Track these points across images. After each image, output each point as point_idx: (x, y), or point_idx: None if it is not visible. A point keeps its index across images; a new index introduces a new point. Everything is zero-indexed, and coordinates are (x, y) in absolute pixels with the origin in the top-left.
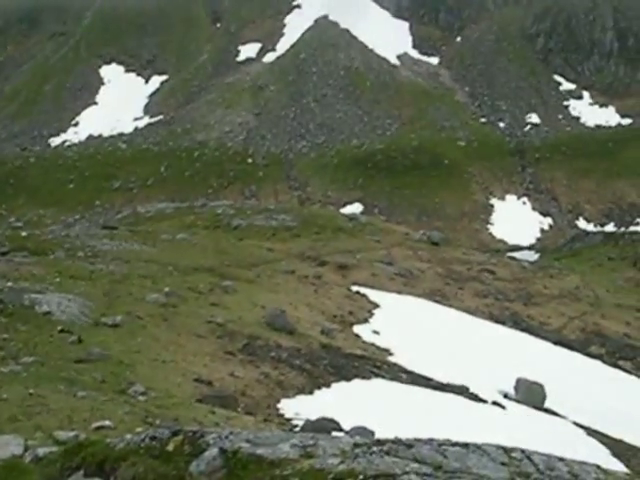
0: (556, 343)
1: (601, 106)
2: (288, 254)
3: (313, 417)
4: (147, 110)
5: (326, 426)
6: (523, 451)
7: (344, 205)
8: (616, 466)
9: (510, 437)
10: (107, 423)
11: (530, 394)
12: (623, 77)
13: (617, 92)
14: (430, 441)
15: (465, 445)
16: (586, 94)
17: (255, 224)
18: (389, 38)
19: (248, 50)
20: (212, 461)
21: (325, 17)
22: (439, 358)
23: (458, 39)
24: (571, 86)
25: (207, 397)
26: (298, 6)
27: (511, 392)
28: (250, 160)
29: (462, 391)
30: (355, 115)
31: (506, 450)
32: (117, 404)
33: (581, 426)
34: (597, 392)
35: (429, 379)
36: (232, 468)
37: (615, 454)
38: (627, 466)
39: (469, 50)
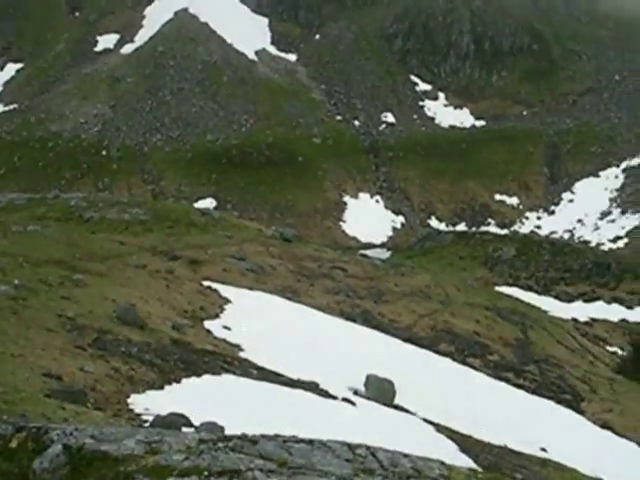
0: (406, 340)
1: (456, 108)
2: (140, 248)
3: (163, 412)
4: (1, 98)
5: (176, 421)
6: (368, 448)
7: (197, 200)
8: (464, 461)
9: (359, 434)
10: None
11: (380, 391)
12: (478, 80)
13: (472, 94)
14: (275, 437)
15: (310, 442)
16: (441, 95)
17: (108, 217)
18: (248, 33)
19: (106, 41)
20: (55, 458)
21: (185, 10)
22: (290, 354)
23: (317, 37)
24: (427, 87)
25: (56, 392)
26: None
27: (361, 389)
28: (104, 152)
29: (312, 387)
30: (211, 110)
31: (351, 447)
32: None
33: (430, 422)
34: (446, 389)
35: (280, 375)
36: (76, 465)
37: (463, 449)
38: (475, 461)
39: (327, 48)
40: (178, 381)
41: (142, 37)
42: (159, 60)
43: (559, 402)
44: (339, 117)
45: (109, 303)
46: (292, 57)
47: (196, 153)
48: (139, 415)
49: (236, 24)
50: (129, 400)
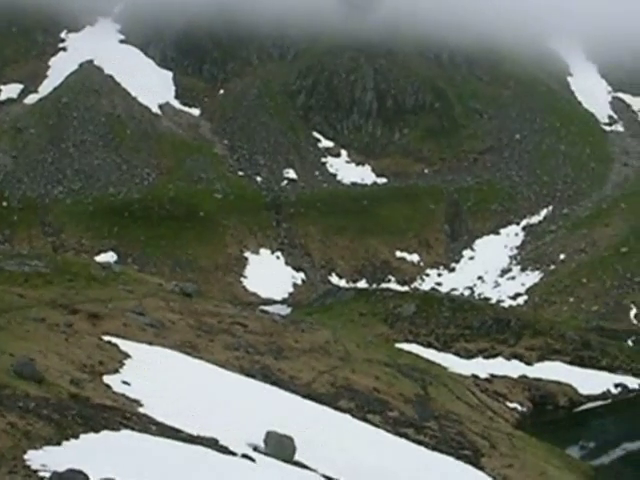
0: (306, 397)
1: (358, 165)
2: (39, 301)
3: (61, 469)
4: None
5: (74, 478)
6: None
7: (98, 253)
8: None
9: None
10: None
11: (280, 447)
12: (380, 137)
13: (374, 152)
14: None
15: None
16: (344, 152)
17: (7, 269)
18: (152, 87)
19: (9, 90)
20: None
21: (90, 62)
22: (189, 410)
23: (221, 92)
24: (329, 144)
25: None
26: (64, 49)
27: (261, 445)
28: (5, 203)
29: (212, 443)
30: (114, 163)
31: None
32: None
33: (331, 479)
34: (346, 445)
35: (179, 431)
36: None
37: None
38: None
39: (231, 103)
40: (76, 437)
41: (46, 87)
42: (63, 111)
43: (459, 458)
44: (241, 173)
45: (7, 357)
46: (196, 111)
47: (98, 206)
48: (36, 472)
49: (140, 77)
50: (26, 456)
